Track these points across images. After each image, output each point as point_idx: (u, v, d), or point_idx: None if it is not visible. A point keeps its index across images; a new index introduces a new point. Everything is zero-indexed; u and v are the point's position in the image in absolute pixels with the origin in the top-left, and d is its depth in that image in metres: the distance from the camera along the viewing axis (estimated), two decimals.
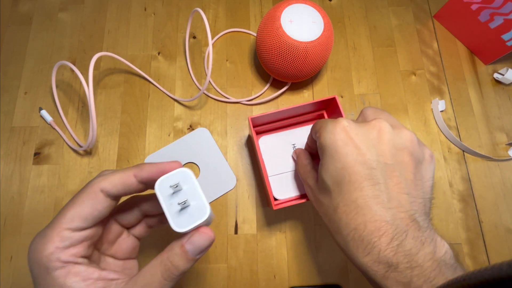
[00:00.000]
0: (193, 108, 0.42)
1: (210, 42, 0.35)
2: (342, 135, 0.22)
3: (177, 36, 0.45)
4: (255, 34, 0.45)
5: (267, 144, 0.36)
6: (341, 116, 0.32)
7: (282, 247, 0.37)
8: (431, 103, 0.43)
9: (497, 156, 0.41)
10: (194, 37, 0.45)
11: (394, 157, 0.21)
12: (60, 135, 0.40)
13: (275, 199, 0.34)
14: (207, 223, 0.21)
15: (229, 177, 0.38)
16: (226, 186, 0.38)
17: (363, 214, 0.20)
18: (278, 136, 0.36)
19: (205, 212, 0.19)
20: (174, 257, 0.19)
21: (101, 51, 0.43)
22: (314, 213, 0.38)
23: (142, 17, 0.46)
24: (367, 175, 0.20)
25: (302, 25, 0.35)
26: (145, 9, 0.46)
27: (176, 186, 0.19)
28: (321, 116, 0.38)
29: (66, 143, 0.40)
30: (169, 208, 0.20)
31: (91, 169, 0.39)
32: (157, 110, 0.41)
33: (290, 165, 0.35)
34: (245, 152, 0.40)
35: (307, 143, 0.31)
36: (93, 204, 0.19)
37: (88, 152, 0.40)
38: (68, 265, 0.18)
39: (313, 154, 0.31)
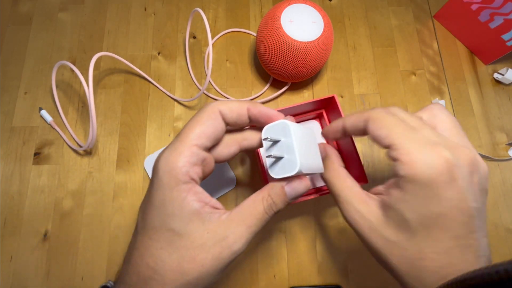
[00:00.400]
0: (193, 108, 0.42)
1: (210, 42, 0.35)
2: (446, 175, 0.17)
3: (177, 36, 0.45)
4: (255, 34, 0.45)
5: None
6: (340, 115, 0.32)
7: (282, 247, 0.37)
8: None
9: (497, 156, 0.41)
10: (194, 37, 0.45)
11: (482, 199, 0.19)
12: (60, 135, 0.40)
13: None
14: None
15: (229, 177, 0.39)
16: (226, 186, 0.38)
17: (457, 264, 0.18)
18: None
19: (295, 168, 0.20)
20: (275, 195, 0.21)
21: (101, 51, 0.43)
22: (314, 213, 0.38)
23: (142, 17, 0.46)
24: (465, 223, 0.18)
25: (302, 25, 0.35)
26: (145, 9, 0.46)
27: (271, 140, 0.21)
28: (320, 115, 0.38)
29: (66, 143, 0.40)
30: (267, 154, 0.21)
31: (91, 169, 0.39)
32: (157, 110, 0.41)
33: None
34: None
35: (336, 142, 0.27)
36: (214, 125, 0.20)
37: (88, 152, 0.40)
38: (192, 181, 0.19)
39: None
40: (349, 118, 0.23)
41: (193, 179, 0.19)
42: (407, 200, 0.19)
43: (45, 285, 0.35)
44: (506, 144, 0.41)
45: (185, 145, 0.19)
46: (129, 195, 0.38)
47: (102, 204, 0.38)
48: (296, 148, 0.20)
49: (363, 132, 0.22)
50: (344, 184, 0.23)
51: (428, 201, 0.18)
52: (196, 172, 0.19)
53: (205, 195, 0.20)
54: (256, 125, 0.23)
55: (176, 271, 0.18)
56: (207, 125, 0.20)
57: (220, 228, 0.19)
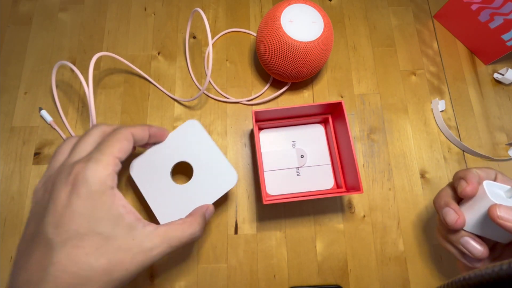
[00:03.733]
0: (193, 108, 0.42)
1: (210, 42, 0.35)
2: None
3: (177, 36, 0.45)
4: (255, 34, 0.45)
5: (267, 139, 0.36)
6: (345, 123, 0.32)
7: (282, 247, 0.37)
8: (431, 103, 0.43)
9: (497, 156, 0.41)
10: (194, 37, 0.45)
11: None
12: (60, 135, 0.40)
13: (268, 195, 0.34)
14: None
15: (228, 173, 0.32)
16: (227, 183, 0.32)
17: None
18: (279, 132, 0.36)
19: None
20: (200, 219, 0.27)
21: (101, 51, 0.43)
22: (314, 213, 0.38)
23: (142, 17, 0.46)
24: None
25: (302, 25, 0.35)
26: (145, 9, 0.46)
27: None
28: (326, 120, 0.38)
29: None
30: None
31: None
32: (157, 110, 0.41)
33: (287, 162, 0.35)
34: (245, 152, 0.40)
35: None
36: (129, 143, 0.24)
37: None
38: (116, 188, 0.22)
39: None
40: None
41: (114, 187, 0.22)
42: None
43: None
44: (506, 144, 0.41)
45: (109, 157, 0.22)
46: (129, 195, 0.38)
47: None
48: None
49: None
50: None
51: None
52: (116, 180, 0.23)
53: (126, 202, 0.22)
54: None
55: (103, 273, 0.20)
56: (125, 143, 0.24)
57: (146, 239, 0.22)
